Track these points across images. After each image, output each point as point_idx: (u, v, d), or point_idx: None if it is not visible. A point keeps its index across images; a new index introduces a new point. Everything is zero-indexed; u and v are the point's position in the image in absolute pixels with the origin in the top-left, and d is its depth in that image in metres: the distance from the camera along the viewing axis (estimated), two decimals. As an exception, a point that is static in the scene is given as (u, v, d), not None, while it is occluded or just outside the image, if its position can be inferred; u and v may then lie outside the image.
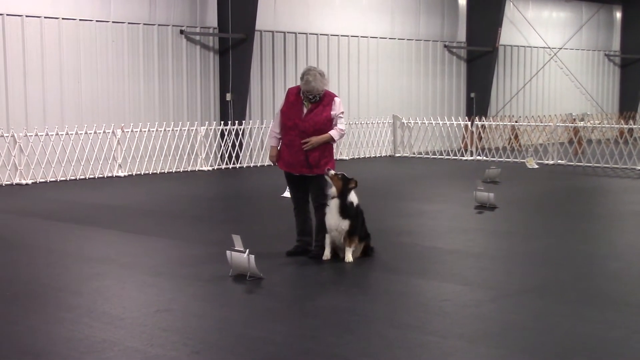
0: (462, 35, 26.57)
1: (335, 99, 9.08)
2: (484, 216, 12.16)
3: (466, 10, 26.47)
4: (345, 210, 8.72)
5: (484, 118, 24.05)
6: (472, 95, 26.66)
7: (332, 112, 9.01)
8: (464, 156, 22.23)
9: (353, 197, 8.86)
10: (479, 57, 26.39)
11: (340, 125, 9.05)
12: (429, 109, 25.53)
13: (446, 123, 22.86)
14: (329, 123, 9.01)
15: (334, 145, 9.33)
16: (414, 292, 7.67)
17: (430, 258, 9.21)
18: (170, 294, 7.54)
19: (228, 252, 8.07)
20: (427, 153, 22.98)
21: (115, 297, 7.36)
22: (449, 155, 22.40)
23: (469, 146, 22.53)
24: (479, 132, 22.58)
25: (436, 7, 25.73)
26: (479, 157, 21.80)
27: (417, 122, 23.18)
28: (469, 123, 22.79)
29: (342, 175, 8.84)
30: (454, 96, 26.58)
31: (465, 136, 23.17)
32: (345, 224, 8.70)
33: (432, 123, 22.97)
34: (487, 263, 8.94)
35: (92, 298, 7.33)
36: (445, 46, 26.06)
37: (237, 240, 8.03)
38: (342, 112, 9.10)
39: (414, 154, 23.10)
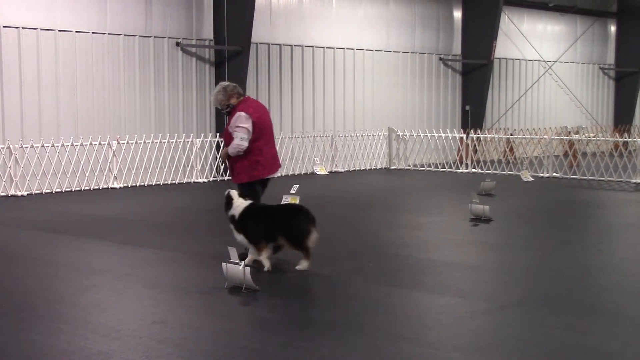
0: (457, 48, 26.67)
1: (237, 113, 9.36)
2: (480, 228, 12.18)
3: (461, 23, 26.57)
4: (233, 225, 9.02)
5: (479, 130, 24.10)
6: (468, 107, 26.71)
7: (229, 126, 9.40)
8: (459, 169, 22.27)
9: (235, 209, 9.02)
10: (474, 69, 26.48)
11: (235, 139, 9.32)
12: (424, 121, 25.59)
13: (441, 135, 22.91)
14: (229, 137, 9.41)
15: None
16: (409, 305, 7.68)
17: (425, 270, 9.23)
18: (166, 305, 7.54)
19: (224, 264, 8.08)
20: (422, 165, 23.01)
21: (111, 309, 7.36)
22: (444, 168, 22.44)
23: (464, 159, 22.57)
24: (474, 145, 22.64)
25: (431, 20, 25.83)
26: (474, 170, 21.84)
27: (413, 135, 23.23)
28: (464, 135, 22.84)
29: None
30: (449, 109, 26.65)
31: (461, 149, 23.21)
32: (240, 237, 9.00)
33: (427, 135, 23.01)
34: (482, 275, 8.96)
35: (88, 310, 7.33)
36: (440, 59, 26.14)
37: (233, 253, 8.05)
38: (239, 127, 9.27)
39: (409, 166, 23.14)
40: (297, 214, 8.82)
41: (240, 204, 9.00)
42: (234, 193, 9.12)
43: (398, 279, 8.68)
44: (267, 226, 8.82)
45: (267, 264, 8.86)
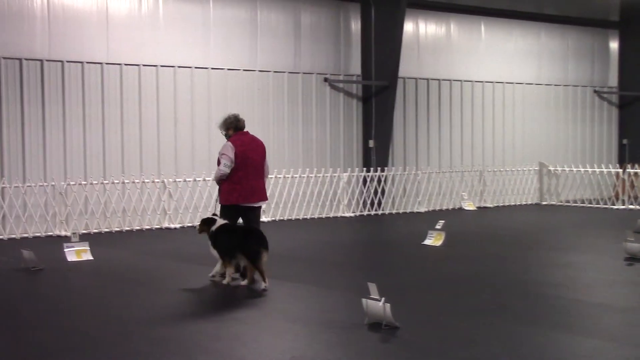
0: (613, 80, 25.74)
1: (227, 142, 10.47)
2: (634, 268, 11.59)
3: (618, 54, 25.66)
4: (210, 241, 10.23)
5: (637, 165, 23.09)
6: (625, 141, 25.70)
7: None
8: (614, 205, 21.37)
9: (214, 227, 10.22)
10: (633, 102, 25.45)
11: (219, 165, 10.42)
12: (577, 155, 24.79)
13: (596, 170, 22.09)
14: (219, 163, 10.48)
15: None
16: (556, 347, 7.35)
17: (573, 311, 8.85)
18: (306, 340, 7.55)
19: (364, 300, 8.02)
20: (575, 201, 22.25)
21: (252, 342, 7.44)
22: (599, 204, 21.59)
23: (620, 194, 21.66)
24: (632, 180, 21.69)
25: (586, 51, 25.08)
26: (631, 206, 20.90)
27: (565, 169, 22.53)
28: (621, 170, 21.95)
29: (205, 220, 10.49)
30: (604, 143, 25.72)
31: (617, 184, 22.30)
32: (214, 253, 10.27)
33: (580, 170, 22.26)
34: (635, 318, 8.50)
35: (230, 343, 7.44)
36: (595, 91, 25.30)
37: (373, 288, 7.98)
38: (223, 154, 10.38)
39: (561, 202, 22.43)
40: (250, 235, 9.99)
41: (217, 223, 10.24)
42: (217, 215, 10.53)
43: (544, 320, 8.35)
44: (229, 244, 10.02)
45: (227, 279, 10.15)
